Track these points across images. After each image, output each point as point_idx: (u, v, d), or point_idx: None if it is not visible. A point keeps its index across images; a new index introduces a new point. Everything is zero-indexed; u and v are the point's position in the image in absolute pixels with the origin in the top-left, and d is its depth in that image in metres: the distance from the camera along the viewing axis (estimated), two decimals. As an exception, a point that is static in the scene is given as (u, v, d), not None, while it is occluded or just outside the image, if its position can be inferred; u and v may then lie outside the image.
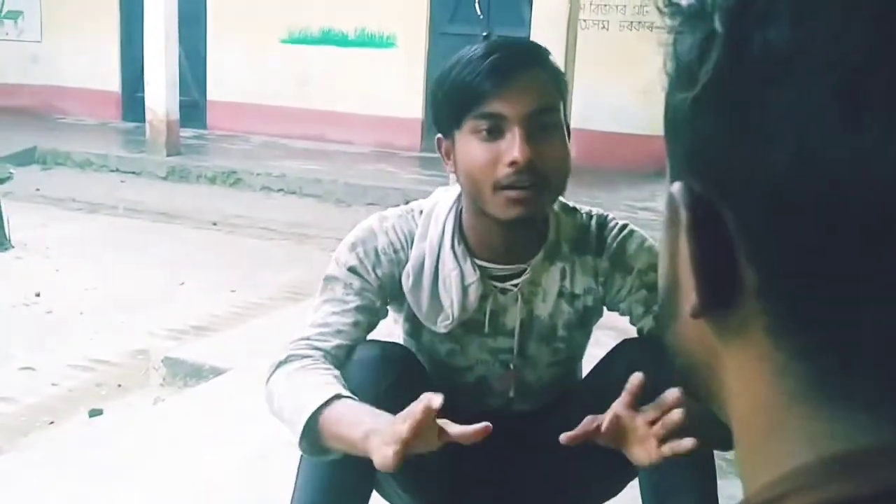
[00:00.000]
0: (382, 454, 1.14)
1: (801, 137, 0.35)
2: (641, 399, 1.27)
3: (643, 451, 1.20)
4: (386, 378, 1.37)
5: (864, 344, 0.36)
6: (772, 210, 0.36)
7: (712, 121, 0.38)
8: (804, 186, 0.35)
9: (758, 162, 0.36)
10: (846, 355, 0.37)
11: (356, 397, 1.30)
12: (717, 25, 0.37)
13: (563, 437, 1.22)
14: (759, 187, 0.37)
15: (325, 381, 1.32)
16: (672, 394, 1.18)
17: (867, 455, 0.36)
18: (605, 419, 1.20)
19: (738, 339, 0.40)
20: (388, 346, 1.47)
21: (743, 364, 0.40)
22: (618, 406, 1.20)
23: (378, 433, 1.17)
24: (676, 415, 1.16)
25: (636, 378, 1.19)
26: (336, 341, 1.41)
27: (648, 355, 1.38)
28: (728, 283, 0.39)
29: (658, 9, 0.40)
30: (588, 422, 1.23)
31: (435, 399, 1.12)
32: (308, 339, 1.41)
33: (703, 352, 0.43)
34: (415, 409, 1.13)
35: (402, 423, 1.14)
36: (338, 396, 1.28)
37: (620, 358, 1.47)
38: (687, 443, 1.16)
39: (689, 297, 0.41)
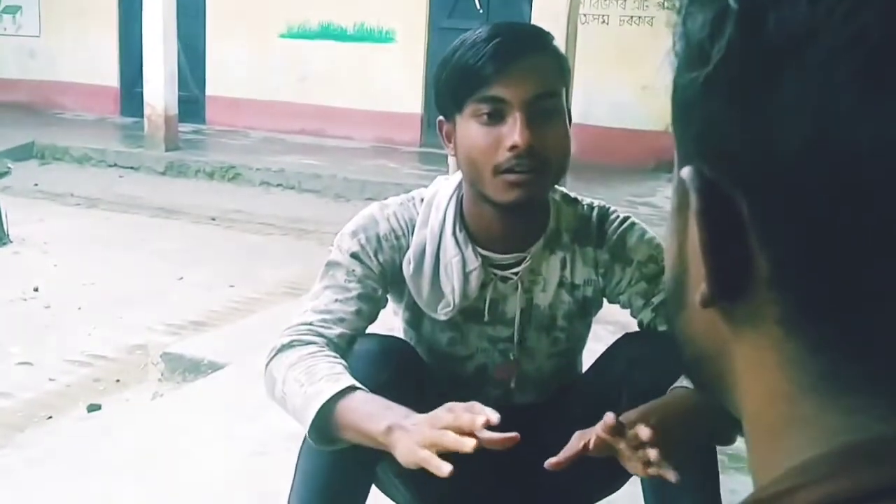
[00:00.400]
0: (415, 456, 1.14)
1: (818, 119, 0.34)
2: (644, 396, 1.27)
3: (631, 466, 1.21)
4: (385, 371, 1.36)
5: (879, 334, 0.35)
6: (786, 195, 0.35)
7: (724, 101, 0.37)
8: (820, 171, 0.34)
9: (772, 145, 0.35)
10: (861, 346, 0.36)
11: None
12: (731, 1, 0.36)
13: (549, 463, 1.22)
14: (772, 171, 0.35)
15: (337, 371, 1.31)
16: (644, 431, 1.17)
17: (876, 446, 0.35)
18: (591, 440, 1.20)
19: (749, 330, 0.39)
20: (386, 339, 1.46)
21: (754, 355, 0.39)
22: (599, 431, 1.20)
23: (404, 430, 1.16)
24: (652, 454, 1.17)
25: (609, 418, 1.19)
26: (339, 329, 1.40)
27: (649, 350, 1.38)
28: (740, 270, 0.38)
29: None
30: (576, 440, 1.23)
31: (494, 416, 1.12)
32: (311, 324, 1.40)
33: (712, 343, 0.42)
34: (472, 420, 1.12)
35: (436, 425, 1.13)
36: (352, 387, 1.27)
37: (621, 352, 1.47)
38: (670, 475, 1.17)
39: (698, 285, 0.40)
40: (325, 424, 1.28)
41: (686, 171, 0.39)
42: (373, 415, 1.22)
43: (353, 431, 1.25)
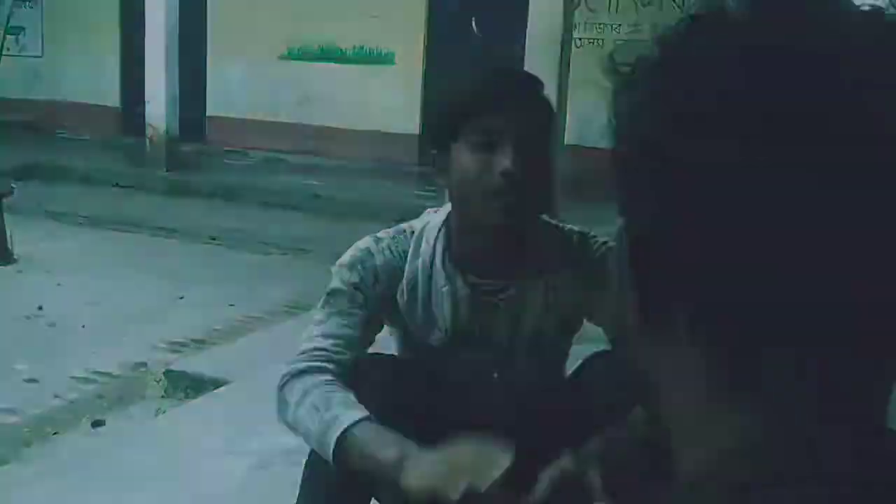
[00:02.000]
0: (425, 483, 1.25)
1: (713, 190, 0.43)
2: (623, 410, 1.35)
3: None
4: (392, 397, 1.45)
5: (767, 357, 0.45)
6: (692, 249, 0.44)
7: (643, 173, 0.46)
8: (718, 232, 0.43)
9: (679, 212, 0.44)
10: (754, 364, 0.45)
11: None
12: (643, 93, 0.45)
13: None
14: (680, 230, 0.45)
15: (352, 400, 1.41)
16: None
17: (755, 447, 0.44)
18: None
19: (673, 351, 0.48)
20: (391, 364, 1.56)
21: (677, 371, 0.48)
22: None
23: (411, 461, 1.27)
24: None
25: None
26: (346, 352, 1.49)
27: (615, 367, 1.47)
28: (664, 307, 0.47)
29: (603, 73, 0.49)
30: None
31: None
32: (323, 349, 1.49)
33: (648, 362, 0.51)
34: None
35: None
36: (368, 419, 1.37)
37: (591, 370, 1.57)
38: None
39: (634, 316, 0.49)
40: (341, 448, 1.36)
41: (620, 223, 0.48)
42: (383, 449, 1.32)
43: (366, 460, 1.34)
